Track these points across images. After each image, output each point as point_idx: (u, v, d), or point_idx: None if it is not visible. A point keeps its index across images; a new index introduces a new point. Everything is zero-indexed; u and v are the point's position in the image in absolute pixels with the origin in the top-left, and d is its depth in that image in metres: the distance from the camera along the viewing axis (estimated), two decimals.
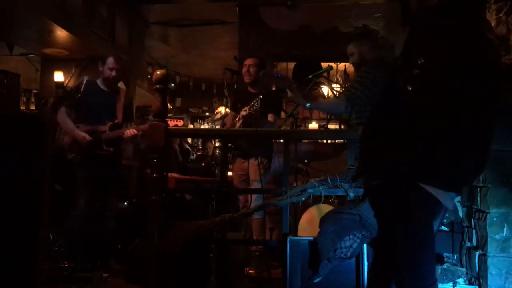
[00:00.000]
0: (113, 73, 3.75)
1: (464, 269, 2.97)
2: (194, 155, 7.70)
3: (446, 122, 1.61)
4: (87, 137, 3.60)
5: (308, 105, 3.10)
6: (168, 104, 4.53)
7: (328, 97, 6.94)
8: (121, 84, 6.64)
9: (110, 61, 3.74)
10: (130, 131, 3.71)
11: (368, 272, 2.43)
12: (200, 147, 8.47)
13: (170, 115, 8.26)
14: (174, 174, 4.70)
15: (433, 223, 1.76)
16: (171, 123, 4.17)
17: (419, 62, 1.64)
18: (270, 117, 3.84)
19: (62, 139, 3.75)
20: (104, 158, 3.69)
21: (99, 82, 3.81)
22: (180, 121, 4.43)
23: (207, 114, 10.84)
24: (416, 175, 1.64)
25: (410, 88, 1.64)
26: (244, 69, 3.97)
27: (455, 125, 1.62)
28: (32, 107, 8.68)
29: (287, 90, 3.03)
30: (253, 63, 3.94)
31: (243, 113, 3.72)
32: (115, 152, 3.77)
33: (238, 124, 3.85)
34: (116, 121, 3.76)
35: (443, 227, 3.07)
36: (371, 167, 1.78)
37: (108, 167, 3.73)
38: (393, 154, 1.67)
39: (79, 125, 3.67)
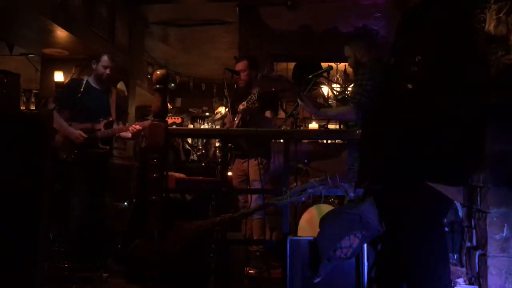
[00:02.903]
0: (107, 71, 3.75)
1: (464, 269, 2.97)
2: (194, 155, 7.70)
3: (446, 118, 1.61)
4: (83, 135, 3.58)
5: (318, 113, 3.11)
6: (168, 104, 4.51)
7: (329, 97, 6.93)
8: (121, 85, 6.68)
9: (105, 59, 3.74)
10: (135, 127, 3.71)
11: (368, 272, 2.43)
12: (200, 147, 8.47)
13: (170, 115, 8.29)
14: (176, 174, 4.70)
15: (443, 223, 1.77)
16: (169, 120, 4.14)
17: (416, 60, 1.63)
18: (267, 114, 3.89)
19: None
20: (97, 156, 3.68)
21: (91, 80, 3.78)
22: (178, 119, 4.38)
23: (207, 114, 10.84)
24: (423, 175, 1.63)
25: (410, 86, 1.63)
26: (238, 76, 3.99)
27: (455, 120, 1.61)
28: (32, 107, 8.68)
29: (298, 99, 3.05)
30: (243, 68, 3.98)
31: (241, 107, 3.74)
32: (107, 151, 3.77)
33: (236, 121, 3.86)
34: (110, 119, 3.76)
35: None
36: (375, 172, 1.77)
37: (101, 165, 3.73)
38: (397, 157, 1.65)
39: (71, 123, 3.64)
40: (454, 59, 1.62)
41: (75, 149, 3.60)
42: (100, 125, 3.70)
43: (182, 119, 4.95)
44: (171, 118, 4.18)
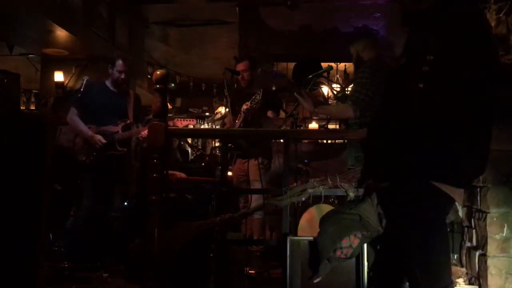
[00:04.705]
0: (122, 76, 3.82)
1: (464, 269, 2.97)
2: (194, 155, 7.70)
3: (456, 119, 1.60)
4: (102, 140, 3.65)
5: (316, 110, 3.12)
6: (168, 104, 4.49)
7: (329, 97, 6.94)
8: None
9: (120, 64, 3.80)
10: (145, 132, 3.73)
11: (368, 272, 2.43)
12: (200, 147, 8.47)
13: (171, 115, 8.29)
14: (177, 173, 4.69)
15: (445, 222, 1.77)
16: (184, 122, 4.12)
17: (428, 59, 1.63)
18: (269, 114, 3.90)
19: (71, 140, 3.78)
20: (114, 158, 3.72)
21: (108, 83, 3.86)
22: (193, 121, 4.33)
23: (207, 114, 10.84)
24: (428, 174, 1.63)
25: (422, 86, 1.62)
26: (240, 76, 4.01)
27: (465, 121, 1.61)
28: (32, 107, 8.68)
29: (297, 95, 3.05)
30: (244, 68, 4.00)
31: (244, 107, 3.74)
32: (125, 153, 3.81)
33: (238, 122, 3.87)
34: (128, 122, 3.79)
35: None
36: (380, 170, 1.77)
37: (117, 167, 3.76)
38: (403, 155, 1.65)
39: (90, 126, 3.70)
40: (467, 59, 1.62)
41: (93, 152, 3.65)
42: (118, 128, 3.74)
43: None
44: (186, 120, 4.14)
